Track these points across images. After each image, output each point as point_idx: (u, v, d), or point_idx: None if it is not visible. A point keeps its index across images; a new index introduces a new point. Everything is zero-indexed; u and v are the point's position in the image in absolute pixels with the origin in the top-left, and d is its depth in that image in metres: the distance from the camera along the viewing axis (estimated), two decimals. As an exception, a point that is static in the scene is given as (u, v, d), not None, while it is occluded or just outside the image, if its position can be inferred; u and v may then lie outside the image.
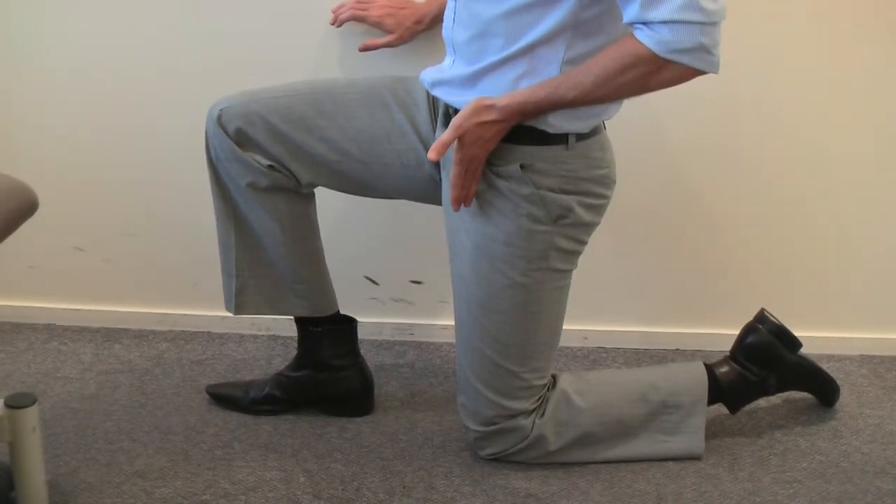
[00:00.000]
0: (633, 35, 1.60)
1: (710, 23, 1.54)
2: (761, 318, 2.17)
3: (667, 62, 1.57)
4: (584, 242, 1.91)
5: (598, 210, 1.88)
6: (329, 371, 2.17)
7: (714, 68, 1.59)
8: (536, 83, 1.71)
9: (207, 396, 2.24)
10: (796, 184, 2.41)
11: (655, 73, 1.60)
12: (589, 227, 1.89)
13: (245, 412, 2.19)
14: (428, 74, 1.91)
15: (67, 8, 2.30)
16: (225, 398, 2.22)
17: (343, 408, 2.21)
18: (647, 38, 1.57)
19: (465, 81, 1.80)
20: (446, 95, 1.86)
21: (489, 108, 1.72)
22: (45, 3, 2.30)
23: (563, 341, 2.17)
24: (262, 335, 2.55)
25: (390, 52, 2.22)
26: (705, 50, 1.55)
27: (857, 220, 2.45)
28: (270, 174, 1.96)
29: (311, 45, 2.30)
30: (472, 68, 1.77)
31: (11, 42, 2.35)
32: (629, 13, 1.58)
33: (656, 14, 1.54)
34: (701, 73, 1.59)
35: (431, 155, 1.72)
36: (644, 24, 1.57)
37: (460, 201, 1.81)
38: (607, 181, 1.87)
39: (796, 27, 2.27)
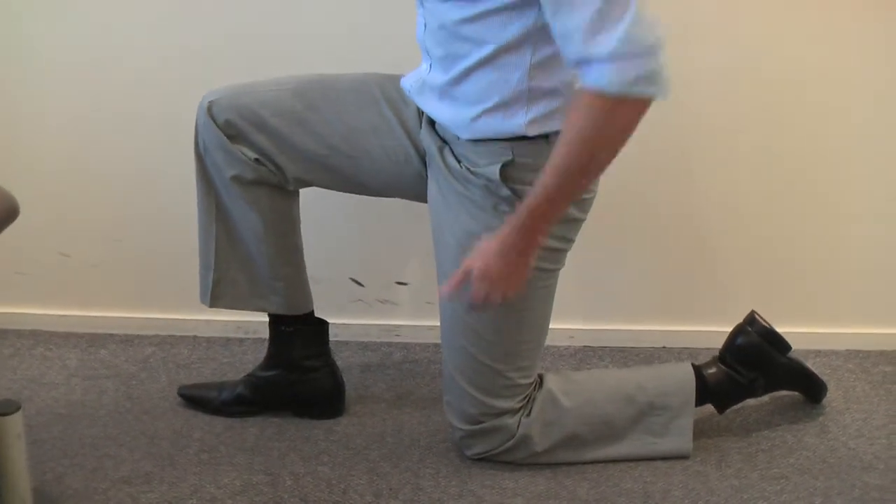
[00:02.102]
0: (581, 88, 1.57)
1: (651, 49, 1.51)
2: (751, 320, 2.17)
3: (619, 100, 1.53)
4: (569, 240, 1.91)
5: (582, 205, 1.88)
6: (300, 372, 2.17)
7: (665, 94, 1.54)
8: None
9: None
10: (782, 181, 2.41)
11: (610, 114, 1.54)
12: (573, 222, 1.89)
13: (217, 414, 2.19)
14: (408, 82, 1.93)
15: (50, 13, 2.30)
16: (197, 400, 2.22)
17: (313, 409, 2.20)
18: (595, 79, 1.53)
19: (443, 91, 1.81)
20: (428, 108, 1.88)
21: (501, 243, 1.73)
22: (26, 7, 2.29)
23: (550, 340, 2.17)
24: (249, 338, 2.54)
25: (380, 52, 2.23)
26: (653, 77, 1.51)
27: (844, 216, 2.45)
28: (256, 167, 1.97)
29: (301, 45, 2.30)
30: (447, 77, 1.79)
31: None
32: (571, 52, 1.55)
33: (601, 49, 1.51)
34: (650, 101, 1.54)
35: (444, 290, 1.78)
36: (587, 63, 1.53)
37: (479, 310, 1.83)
38: None
39: (791, 19, 2.28)
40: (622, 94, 1.52)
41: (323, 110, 1.97)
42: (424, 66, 1.88)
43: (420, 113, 1.96)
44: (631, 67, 1.50)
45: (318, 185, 2.06)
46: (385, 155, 1.98)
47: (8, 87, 2.38)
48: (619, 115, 1.55)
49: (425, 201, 2.01)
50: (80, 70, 2.35)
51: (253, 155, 1.97)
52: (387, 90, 1.99)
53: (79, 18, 2.31)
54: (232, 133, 1.96)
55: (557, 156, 1.62)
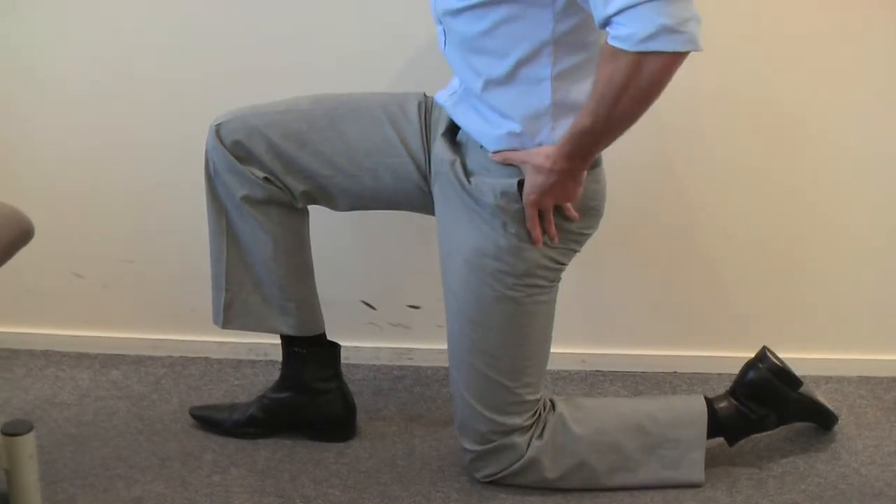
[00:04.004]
0: (606, 42, 1.56)
1: (661, 4, 1.45)
2: (762, 356, 2.16)
3: (640, 56, 1.49)
4: (564, 264, 1.93)
5: (580, 239, 1.91)
6: (311, 394, 2.18)
7: (692, 45, 1.48)
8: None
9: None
10: (795, 207, 2.41)
11: (637, 71, 1.52)
12: (570, 253, 1.92)
13: (228, 435, 2.20)
14: (442, 97, 1.94)
15: (64, 37, 2.32)
16: (208, 421, 2.23)
17: (324, 432, 2.20)
18: (614, 39, 1.52)
19: (471, 105, 1.84)
20: (462, 121, 1.88)
21: (541, 167, 1.75)
22: (41, 27, 2.31)
23: (561, 364, 2.17)
24: (261, 360, 2.55)
25: (390, 69, 2.25)
26: (670, 30, 1.46)
27: (856, 242, 2.45)
28: (266, 187, 1.99)
29: (310, 63, 2.31)
30: (472, 91, 1.81)
31: (5, 65, 2.36)
32: (597, 17, 1.55)
33: (612, 7, 1.49)
34: (681, 55, 1.50)
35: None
36: (608, 24, 1.52)
37: (538, 241, 1.83)
38: (595, 213, 1.90)
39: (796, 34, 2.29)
40: (638, 52, 1.50)
41: (327, 131, 1.99)
42: (456, 80, 1.90)
43: (424, 131, 1.99)
44: (641, 24, 1.47)
45: (324, 205, 2.08)
46: (388, 173, 2.00)
47: (22, 110, 2.39)
48: (641, 72, 1.52)
49: (430, 213, 2.03)
50: (95, 93, 2.36)
51: (262, 174, 1.99)
52: (390, 109, 2.01)
53: (92, 41, 2.32)
54: (240, 154, 1.98)
55: (590, 98, 1.63)
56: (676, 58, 1.50)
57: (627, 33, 1.49)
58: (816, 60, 2.29)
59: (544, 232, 1.83)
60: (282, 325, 2.12)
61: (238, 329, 2.13)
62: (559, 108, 1.75)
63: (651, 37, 1.47)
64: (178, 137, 2.35)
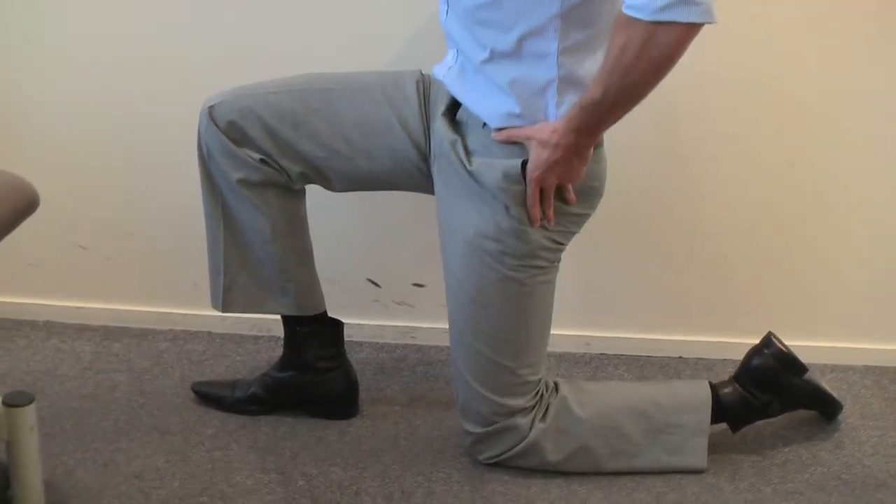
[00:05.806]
0: (622, 11, 1.54)
1: None
2: (767, 342, 2.15)
3: (654, 25, 1.49)
4: (564, 244, 1.91)
5: (579, 221, 1.90)
6: (314, 373, 2.17)
7: (707, 17, 1.47)
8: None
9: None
10: (802, 193, 2.40)
11: (651, 41, 1.51)
12: (570, 234, 1.90)
13: (229, 412, 2.19)
14: (440, 72, 1.92)
15: (69, 11, 2.30)
16: (210, 397, 2.22)
17: (326, 410, 2.20)
18: (629, 8, 1.51)
19: (473, 78, 1.81)
20: (462, 97, 1.86)
21: (547, 141, 1.72)
22: (46, 7, 2.30)
23: (566, 347, 2.16)
24: (263, 336, 2.54)
25: (389, 45, 2.24)
26: (685, 0, 1.46)
27: (863, 230, 2.44)
28: (262, 168, 1.96)
29: (308, 42, 2.30)
30: (474, 63, 1.78)
31: (12, 38, 2.34)
32: None
33: None
34: (696, 27, 1.49)
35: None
36: None
37: (537, 221, 1.81)
38: (595, 193, 1.88)
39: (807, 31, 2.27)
40: (653, 21, 1.49)
41: (322, 112, 1.97)
42: (451, 53, 1.88)
43: (423, 111, 1.96)
44: None
45: (320, 185, 2.06)
46: (384, 153, 1.98)
47: (28, 83, 2.38)
48: (655, 42, 1.51)
49: (430, 192, 2.01)
50: (99, 68, 2.35)
51: (257, 156, 1.96)
52: (387, 89, 1.98)
53: (98, 16, 2.31)
54: (235, 137, 1.96)
55: (601, 70, 1.61)
56: (691, 29, 1.49)
57: (643, 2, 1.49)
58: (832, 50, 2.27)
59: (543, 214, 1.82)
60: (281, 307, 2.11)
61: (238, 312, 2.12)
62: (564, 83, 1.73)
63: (667, 7, 1.47)
64: (184, 111, 2.32)
